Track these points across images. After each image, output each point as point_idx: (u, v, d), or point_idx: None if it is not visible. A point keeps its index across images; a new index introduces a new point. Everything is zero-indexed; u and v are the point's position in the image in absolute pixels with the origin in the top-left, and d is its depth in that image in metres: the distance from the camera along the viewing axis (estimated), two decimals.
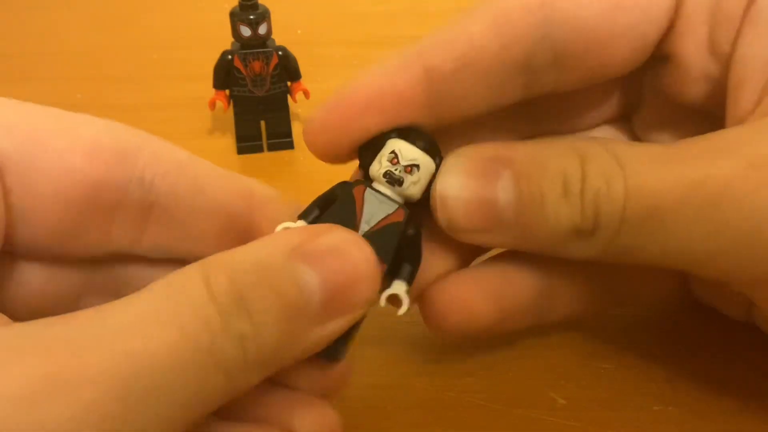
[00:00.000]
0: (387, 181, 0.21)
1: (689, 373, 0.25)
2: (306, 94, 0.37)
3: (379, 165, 0.21)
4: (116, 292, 0.21)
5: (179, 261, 0.19)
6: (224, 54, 0.36)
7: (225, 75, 0.36)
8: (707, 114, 0.23)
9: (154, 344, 0.14)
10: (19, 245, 0.18)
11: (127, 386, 0.14)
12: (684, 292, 0.26)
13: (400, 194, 0.21)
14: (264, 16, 0.35)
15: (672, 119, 0.25)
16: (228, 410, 0.19)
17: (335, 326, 0.18)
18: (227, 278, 0.16)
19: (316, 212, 0.20)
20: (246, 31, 0.35)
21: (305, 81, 0.37)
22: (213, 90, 0.37)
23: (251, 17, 0.35)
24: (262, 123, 0.38)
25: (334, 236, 0.18)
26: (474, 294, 0.22)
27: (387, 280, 0.20)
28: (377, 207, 0.20)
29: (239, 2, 0.35)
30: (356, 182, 0.21)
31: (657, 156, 0.20)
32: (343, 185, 0.21)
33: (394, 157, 0.21)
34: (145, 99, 0.43)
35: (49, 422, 0.13)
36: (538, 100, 0.24)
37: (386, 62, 0.22)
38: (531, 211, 0.20)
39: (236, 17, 0.35)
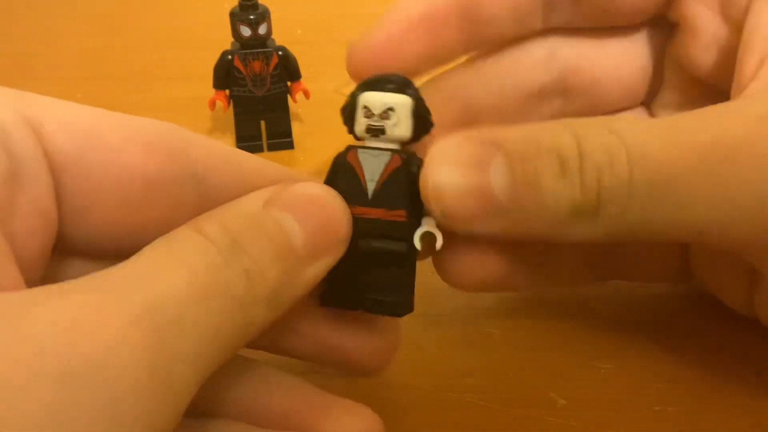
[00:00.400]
0: (372, 136, 0.21)
1: (689, 373, 0.25)
2: (306, 94, 0.37)
3: (359, 123, 0.21)
4: None
5: None
6: (224, 54, 0.36)
7: (225, 75, 0.36)
8: (725, 93, 0.23)
9: (169, 284, 0.15)
10: (73, 242, 0.18)
11: (155, 320, 0.14)
12: (685, 272, 0.26)
13: (390, 141, 0.21)
14: (264, 16, 0.35)
15: (692, 100, 0.25)
16: (268, 417, 0.19)
17: (323, 265, 0.19)
18: (219, 226, 0.17)
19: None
20: (246, 31, 0.35)
21: (305, 81, 0.37)
22: (213, 90, 0.37)
23: (251, 17, 0.35)
24: (262, 123, 0.38)
25: (303, 186, 0.19)
26: (478, 254, 0.22)
27: (414, 222, 0.20)
28: (374, 162, 0.21)
29: (239, 2, 0.35)
30: (347, 149, 0.21)
31: (659, 126, 0.19)
32: (337, 157, 0.21)
33: (368, 110, 0.21)
34: (145, 99, 0.43)
35: (86, 354, 0.13)
36: (572, 82, 0.25)
37: None
38: (527, 193, 0.19)
39: (236, 17, 0.35)
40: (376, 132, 0.21)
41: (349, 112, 0.22)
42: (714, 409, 0.23)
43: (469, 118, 0.25)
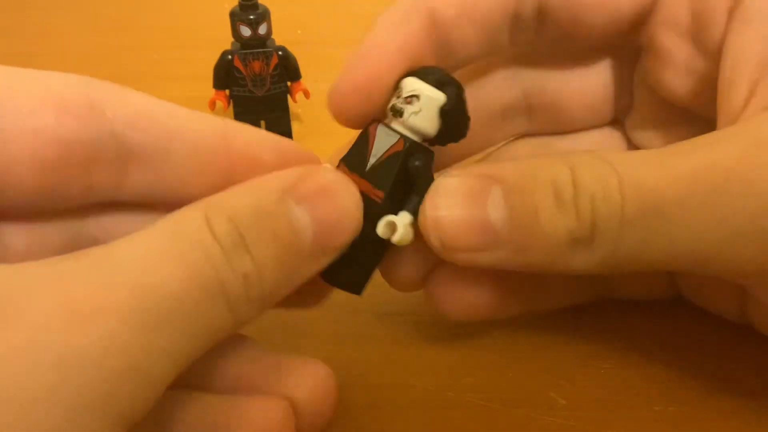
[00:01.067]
0: (392, 115, 0.21)
1: (689, 373, 0.25)
2: (306, 94, 0.37)
3: (390, 101, 0.22)
4: (95, 241, 0.21)
5: (163, 204, 0.20)
6: (224, 54, 0.36)
7: (225, 75, 0.36)
8: (697, 115, 0.24)
9: (164, 278, 0.15)
10: None
11: (143, 317, 0.15)
12: (673, 290, 0.26)
13: (405, 126, 0.21)
14: (264, 16, 0.35)
15: (663, 120, 0.25)
16: (219, 382, 0.20)
17: (324, 261, 0.19)
18: (228, 220, 0.17)
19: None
20: (246, 31, 0.35)
21: (305, 81, 0.37)
22: (213, 90, 0.37)
23: (251, 17, 0.35)
24: (262, 123, 0.38)
25: (322, 177, 0.19)
26: (470, 285, 0.23)
27: (387, 207, 0.21)
28: (384, 140, 0.21)
29: (239, 2, 0.35)
30: (373, 120, 0.22)
31: (650, 156, 0.19)
32: (368, 125, 0.22)
33: (399, 91, 0.21)
34: None
35: (76, 349, 0.14)
36: (535, 102, 0.26)
37: (394, 12, 0.23)
38: (525, 224, 0.19)
39: (236, 17, 0.35)
40: (395, 112, 0.21)
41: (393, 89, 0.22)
42: (714, 409, 0.23)
43: None
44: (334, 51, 0.42)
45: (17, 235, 0.20)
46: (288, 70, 0.36)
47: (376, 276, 0.28)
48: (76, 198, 0.19)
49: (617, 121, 0.27)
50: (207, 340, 0.17)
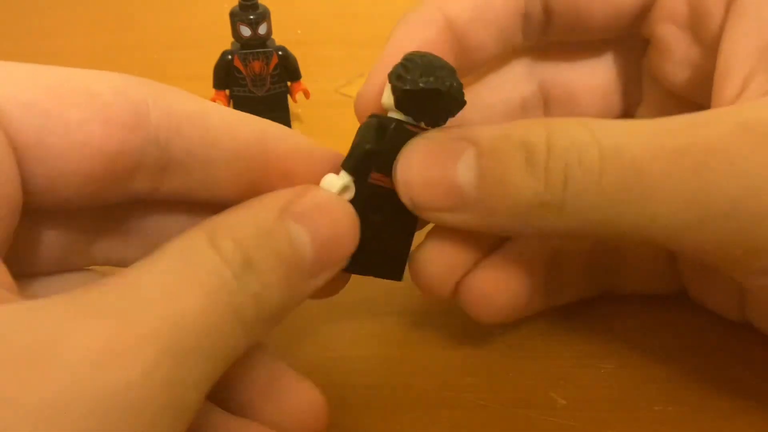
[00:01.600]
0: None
1: (689, 373, 0.25)
2: (306, 94, 0.37)
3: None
4: (127, 234, 0.21)
5: (197, 203, 0.20)
6: (224, 54, 0.36)
7: (225, 75, 0.36)
8: (703, 106, 0.24)
9: (188, 308, 0.15)
10: (35, 208, 0.18)
11: (175, 349, 0.15)
12: (678, 285, 0.27)
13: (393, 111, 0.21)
14: (264, 16, 0.35)
15: (671, 112, 0.25)
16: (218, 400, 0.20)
17: (326, 276, 0.19)
18: (233, 242, 0.17)
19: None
20: (246, 31, 0.35)
21: (305, 81, 0.37)
22: (213, 90, 0.37)
23: (251, 17, 0.35)
24: None
25: (317, 195, 0.19)
26: (501, 290, 0.23)
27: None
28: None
29: (239, 2, 0.35)
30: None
31: (635, 127, 0.19)
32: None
33: None
34: None
35: (113, 392, 0.13)
36: (550, 94, 0.27)
37: (412, 19, 0.23)
38: (492, 186, 0.19)
39: (236, 17, 0.35)
40: None
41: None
42: (714, 409, 0.23)
43: None
44: (334, 51, 0.42)
45: (51, 225, 0.20)
46: (288, 70, 0.36)
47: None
48: (113, 200, 0.19)
49: (629, 114, 0.28)
50: (226, 364, 0.17)
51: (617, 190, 0.18)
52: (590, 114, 0.27)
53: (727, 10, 0.22)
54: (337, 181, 0.20)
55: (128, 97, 0.18)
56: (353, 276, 0.28)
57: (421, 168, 0.20)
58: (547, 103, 0.27)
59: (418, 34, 0.23)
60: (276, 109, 0.37)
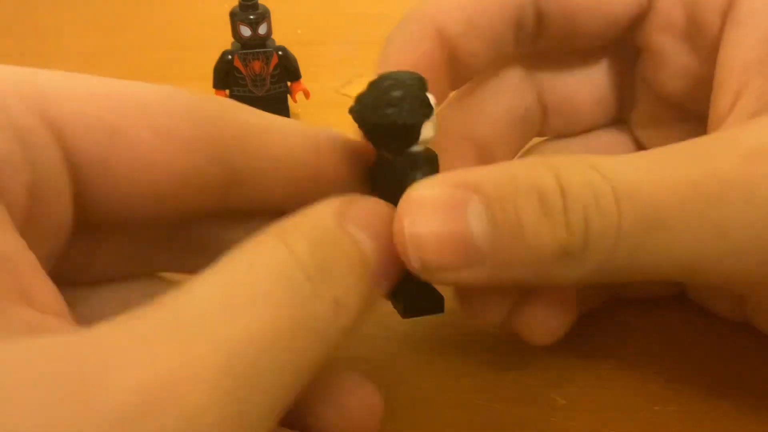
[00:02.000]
0: None
1: (689, 373, 0.25)
2: (306, 94, 0.37)
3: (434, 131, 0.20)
4: (187, 243, 0.21)
5: (252, 213, 0.20)
6: (224, 54, 0.36)
7: (225, 75, 0.36)
8: (698, 113, 0.24)
9: (252, 325, 0.14)
10: (96, 223, 0.18)
11: (235, 377, 0.13)
12: (679, 286, 0.27)
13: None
14: (264, 16, 0.35)
15: (665, 118, 0.26)
16: None
17: (387, 286, 0.18)
18: (308, 242, 0.16)
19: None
20: (246, 31, 0.35)
21: (305, 81, 0.37)
22: (213, 90, 0.37)
23: (251, 17, 0.35)
24: None
25: (369, 201, 0.18)
26: (550, 316, 0.22)
27: None
28: None
29: (239, 2, 0.35)
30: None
31: (644, 163, 0.18)
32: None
33: None
34: None
35: (180, 416, 0.12)
36: (548, 102, 0.27)
37: (402, 34, 0.23)
38: (509, 237, 0.17)
39: (236, 17, 0.35)
40: None
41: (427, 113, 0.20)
42: (714, 409, 0.23)
43: (462, 151, 0.25)
44: (334, 51, 0.42)
45: (110, 241, 0.19)
46: (288, 70, 0.36)
47: None
48: (176, 217, 0.19)
49: (624, 120, 0.27)
50: (301, 385, 0.15)
51: (638, 231, 0.17)
52: (587, 121, 0.27)
53: (724, 19, 0.22)
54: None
55: (195, 114, 0.17)
56: None
57: (430, 224, 0.17)
58: (545, 111, 0.27)
59: (412, 49, 0.22)
60: (276, 109, 0.37)
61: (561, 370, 0.25)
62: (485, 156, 0.25)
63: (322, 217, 0.17)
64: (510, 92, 0.26)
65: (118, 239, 0.19)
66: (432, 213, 0.18)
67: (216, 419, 0.13)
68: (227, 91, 0.37)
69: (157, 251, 0.21)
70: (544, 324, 0.22)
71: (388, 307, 0.27)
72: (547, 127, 0.27)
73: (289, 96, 0.37)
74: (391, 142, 0.20)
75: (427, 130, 0.19)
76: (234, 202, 0.19)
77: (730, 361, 0.25)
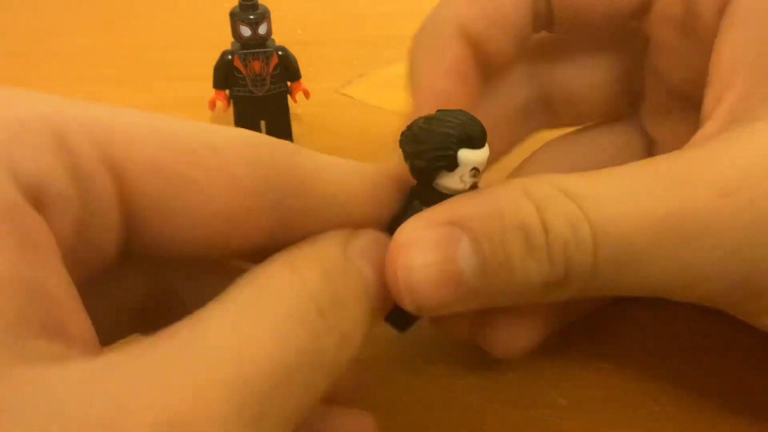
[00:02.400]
0: (467, 188, 0.20)
1: (689, 373, 0.25)
2: (306, 94, 0.37)
3: (461, 182, 0.19)
4: (214, 278, 0.20)
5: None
6: (224, 54, 0.36)
7: (225, 75, 0.36)
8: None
9: (263, 364, 0.14)
10: (142, 255, 0.18)
11: (245, 416, 0.13)
12: None
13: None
14: (264, 16, 0.35)
15: (674, 109, 0.26)
16: None
17: (386, 311, 0.18)
18: (320, 274, 0.16)
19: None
20: (246, 31, 0.35)
21: (305, 81, 0.37)
22: (213, 90, 0.37)
23: (251, 17, 0.35)
24: (262, 123, 0.38)
25: (370, 232, 0.19)
26: (519, 331, 0.23)
27: None
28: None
29: (239, 2, 0.35)
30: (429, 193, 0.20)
31: (615, 189, 0.19)
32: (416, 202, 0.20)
33: (475, 172, 0.20)
34: (145, 99, 0.43)
35: None
36: (553, 95, 0.27)
37: (428, 39, 0.24)
38: (498, 274, 0.18)
39: (236, 17, 0.35)
40: (471, 187, 0.20)
41: (436, 169, 0.19)
42: (714, 409, 0.23)
43: None
44: (334, 51, 0.42)
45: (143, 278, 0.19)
46: (288, 70, 0.36)
47: None
48: (219, 255, 0.18)
49: (634, 113, 0.28)
50: (303, 413, 0.15)
51: (612, 263, 0.18)
52: (594, 113, 0.28)
53: (721, 14, 0.22)
54: None
55: (254, 158, 0.17)
56: None
57: (422, 268, 0.18)
58: (549, 105, 0.27)
59: (440, 58, 0.23)
60: (276, 109, 0.37)
61: (561, 370, 0.25)
62: None
63: (330, 248, 0.17)
64: (508, 86, 0.27)
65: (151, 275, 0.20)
66: (422, 255, 0.18)
67: None
68: (227, 91, 0.37)
69: (182, 284, 0.20)
70: (510, 340, 0.22)
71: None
72: (555, 119, 0.28)
73: (289, 96, 0.37)
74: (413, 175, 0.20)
75: (447, 180, 0.19)
76: (280, 242, 0.18)
77: (730, 361, 0.25)
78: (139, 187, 0.16)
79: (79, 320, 0.14)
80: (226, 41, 0.36)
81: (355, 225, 0.19)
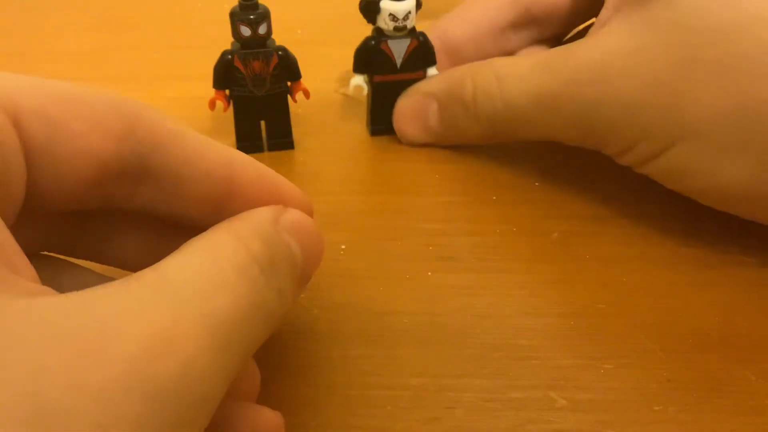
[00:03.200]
0: (395, 30, 0.35)
1: (689, 373, 0.25)
2: (306, 94, 0.37)
3: (386, 24, 0.35)
4: (104, 242, 0.23)
5: (160, 217, 0.22)
6: (224, 54, 0.36)
7: (225, 75, 0.36)
8: None
9: (221, 305, 0.16)
10: (30, 209, 0.19)
11: (213, 343, 0.16)
12: None
13: (408, 32, 0.36)
14: (264, 16, 0.35)
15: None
16: None
17: (301, 292, 0.21)
18: (260, 242, 0.19)
19: (364, 68, 0.37)
20: (246, 31, 0.35)
21: (305, 81, 0.37)
22: (213, 90, 0.37)
23: (251, 17, 0.34)
24: (262, 123, 0.38)
25: (296, 213, 0.21)
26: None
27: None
28: (400, 47, 0.36)
29: (239, 2, 0.35)
30: (376, 40, 0.36)
31: (524, 71, 0.32)
32: (370, 46, 0.36)
33: (393, 17, 0.35)
34: (145, 99, 0.42)
35: (161, 381, 0.14)
36: (537, 13, 0.38)
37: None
38: (451, 127, 0.36)
39: (236, 17, 0.35)
40: (398, 29, 0.35)
41: (372, 12, 0.35)
42: (714, 409, 0.23)
43: (453, 50, 0.38)
44: (334, 51, 0.42)
45: (35, 225, 0.21)
46: (288, 70, 0.36)
47: (378, 276, 0.28)
48: (95, 203, 0.20)
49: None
50: (249, 356, 0.18)
51: (510, 120, 0.33)
52: (571, 25, 0.39)
53: None
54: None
55: (120, 111, 0.20)
56: (353, 277, 0.29)
57: (408, 121, 0.37)
58: (534, 21, 0.38)
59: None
60: (276, 109, 0.37)
61: (561, 370, 0.25)
62: (454, 55, 0.38)
63: (264, 222, 0.20)
64: (494, 9, 0.38)
65: (40, 229, 0.22)
66: (410, 114, 0.37)
67: (206, 367, 0.15)
68: (227, 91, 0.37)
69: (75, 248, 0.23)
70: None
71: (386, 308, 0.27)
72: (543, 34, 0.39)
73: (289, 96, 0.37)
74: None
75: (379, 21, 0.36)
76: (149, 200, 0.21)
77: (730, 361, 0.25)
78: (32, 135, 0.18)
79: (25, 263, 0.16)
80: (226, 41, 0.36)
81: (215, 201, 0.21)
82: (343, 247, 0.31)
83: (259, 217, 0.20)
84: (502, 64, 0.33)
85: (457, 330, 0.27)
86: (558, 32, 0.39)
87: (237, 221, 0.20)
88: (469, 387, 0.24)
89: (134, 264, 0.23)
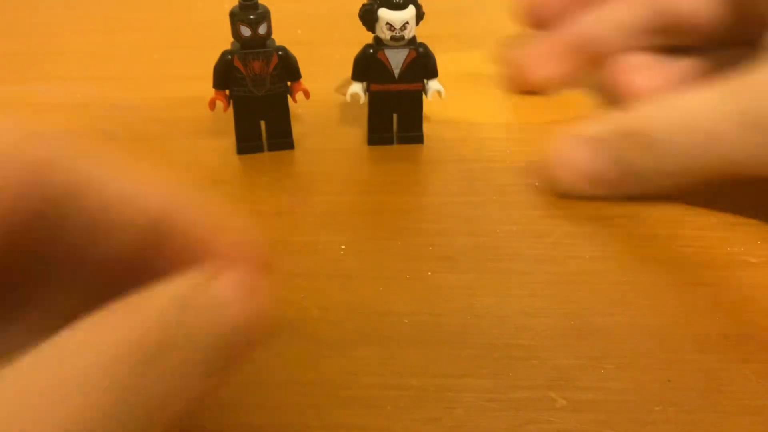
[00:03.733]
0: (393, 41, 0.35)
1: (689, 373, 0.25)
2: (306, 94, 0.37)
3: (384, 33, 0.34)
4: (23, 306, 0.20)
5: (91, 283, 0.19)
6: (224, 54, 0.36)
7: (225, 75, 0.36)
8: None
9: (78, 406, 0.14)
10: None
11: None
12: None
13: (407, 42, 0.35)
14: (264, 16, 0.35)
15: None
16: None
17: (244, 361, 0.18)
18: (153, 327, 0.16)
19: (362, 76, 0.36)
20: (246, 31, 0.35)
21: (305, 81, 0.37)
22: (213, 90, 0.37)
23: (251, 17, 0.34)
24: (262, 123, 0.38)
25: (228, 279, 0.18)
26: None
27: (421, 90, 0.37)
28: (397, 57, 0.35)
29: (239, 2, 0.35)
30: (374, 49, 0.35)
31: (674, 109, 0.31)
32: (369, 54, 0.35)
33: (390, 27, 0.34)
34: (145, 99, 0.43)
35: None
36: (668, 21, 0.38)
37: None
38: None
39: (236, 17, 0.35)
40: (399, 39, 0.34)
41: (370, 21, 0.35)
42: (714, 409, 0.23)
43: (586, 49, 0.39)
44: (334, 51, 0.42)
45: None
46: (288, 70, 0.36)
47: (378, 276, 0.28)
48: (2, 258, 0.18)
49: (754, 40, 0.33)
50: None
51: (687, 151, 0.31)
52: (702, 36, 0.37)
53: None
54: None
55: (23, 159, 0.17)
56: (355, 277, 0.29)
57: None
58: (663, 29, 0.37)
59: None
60: (276, 109, 0.37)
61: (561, 370, 0.25)
62: (587, 51, 0.39)
63: (165, 298, 0.17)
64: (625, 9, 0.38)
65: None
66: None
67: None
68: (227, 91, 0.37)
69: None
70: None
71: (387, 308, 0.27)
72: (665, 41, 0.38)
73: (289, 96, 0.37)
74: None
75: (377, 30, 0.35)
76: (68, 250, 0.18)
77: (730, 361, 0.25)
78: None
79: None
80: (226, 41, 0.36)
81: (130, 243, 0.18)
82: (343, 247, 0.31)
83: (165, 291, 0.17)
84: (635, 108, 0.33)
85: (457, 330, 0.26)
86: (682, 43, 0.39)
87: (135, 297, 0.17)
88: (469, 387, 0.24)
89: (60, 318, 0.19)
